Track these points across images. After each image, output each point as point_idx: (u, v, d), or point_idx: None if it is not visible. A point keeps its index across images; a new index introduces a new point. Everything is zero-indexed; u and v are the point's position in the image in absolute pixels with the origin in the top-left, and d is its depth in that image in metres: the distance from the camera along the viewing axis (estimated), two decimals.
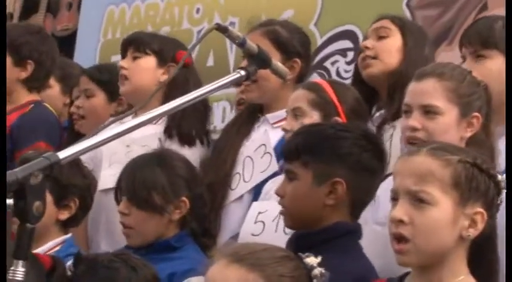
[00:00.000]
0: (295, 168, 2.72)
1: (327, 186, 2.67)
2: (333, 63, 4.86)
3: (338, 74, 4.81)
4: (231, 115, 4.73)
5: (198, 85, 3.39)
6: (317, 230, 2.66)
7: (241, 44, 2.41)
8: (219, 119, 5.00)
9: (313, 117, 3.11)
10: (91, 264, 2.72)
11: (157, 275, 2.75)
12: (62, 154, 1.91)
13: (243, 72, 2.37)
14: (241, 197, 3.38)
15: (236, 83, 2.53)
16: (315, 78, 4.18)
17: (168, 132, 3.60)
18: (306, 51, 3.60)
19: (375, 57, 3.35)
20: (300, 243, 2.56)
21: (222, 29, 2.36)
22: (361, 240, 2.72)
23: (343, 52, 4.80)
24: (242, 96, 4.19)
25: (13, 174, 1.80)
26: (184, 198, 3.13)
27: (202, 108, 3.66)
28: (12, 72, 4.04)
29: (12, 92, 4.07)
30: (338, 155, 2.70)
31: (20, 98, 4.09)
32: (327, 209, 2.68)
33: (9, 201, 1.82)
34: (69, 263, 2.79)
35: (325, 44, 4.91)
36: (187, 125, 3.60)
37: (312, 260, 2.20)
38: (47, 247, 3.20)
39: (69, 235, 3.31)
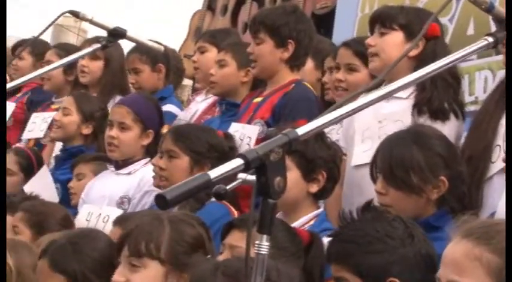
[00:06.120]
0: None
1: None
2: None
3: None
4: (493, 85, 4.55)
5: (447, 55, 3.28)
6: None
7: (488, 10, 2.31)
8: (481, 89, 4.83)
9: None
10: (376, 214, 2.71)
11: (434, 256, 2.63)
12: (301, 130, 1.92)
13: (490, 39, 2.26)
14: (503, 170, 3.22)
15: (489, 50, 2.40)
16: None
17: (417, 107, 3.52)
18: None
19: None
20: None
21: None
22: None
23: None
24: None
25: (254, 152, 1.85)
26: (443, 178, 3.03)
27: (452, 80, 3.54)
28: (275, 54, 4.17)
29: (276, 73, 4.21)
30: None
31: (283, 77, 4.21)
32: None
33: (252, 178, 1.86)
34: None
35: None
36: (438, 98, 3.50)
37: None
38: (302, 222, 3.28)
39: (321, 210, 3.36)
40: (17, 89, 6.02)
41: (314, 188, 3.33)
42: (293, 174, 3.26)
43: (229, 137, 4.02)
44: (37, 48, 6.21)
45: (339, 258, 2.63)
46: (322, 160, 3.31)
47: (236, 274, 2.38)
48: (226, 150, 3.87)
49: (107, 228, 3.81)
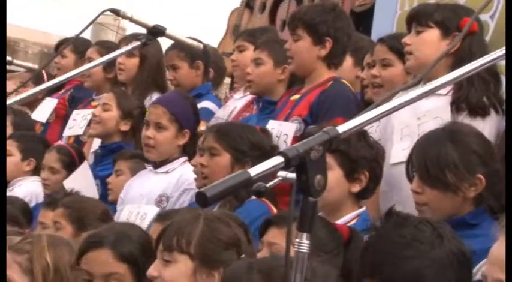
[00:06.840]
0: None
1: None
2: None
3: None
4: None
5: (485, 52, 3.26)
6: None
7: None
8: None
9: None
10: (400, 220, 2.65)
11: (466, 252, 2.60)
12: (342, 128, 1.92)
13: None
14: None
15: None
16: None
17: (456, 104, 3.50)
18: None
19: None
20: None
21: None
22: None
23: None
24: None
25: (294, 149, 1.85)
26: (479, 176, 3.00)
27: (489, 77, 3.51)
28: (312, 51, 4.16)
29: (313, 70, 4.21)
30: None
31: (321, 75, 4.21)
32: None
33: (292, 175, 1.87)
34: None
35: None
36: (476, 96, 3.48)
37: None
38: (343, 221, 3.26)
39: (363, 209, 3.34)
40: (59, 86, 6.09)
41: (356, 188, 3.32)
42: (335, 174, 3.25)
43: (265, 132, 4.03)
44: (79, 46, 6.27)
45: (371, 271, 2.56)
46: (365, 160, 3.30)
47: (271, 271, 2.39)
48: (267, 149, 3.88)
49: (144, 225, 3.85)
